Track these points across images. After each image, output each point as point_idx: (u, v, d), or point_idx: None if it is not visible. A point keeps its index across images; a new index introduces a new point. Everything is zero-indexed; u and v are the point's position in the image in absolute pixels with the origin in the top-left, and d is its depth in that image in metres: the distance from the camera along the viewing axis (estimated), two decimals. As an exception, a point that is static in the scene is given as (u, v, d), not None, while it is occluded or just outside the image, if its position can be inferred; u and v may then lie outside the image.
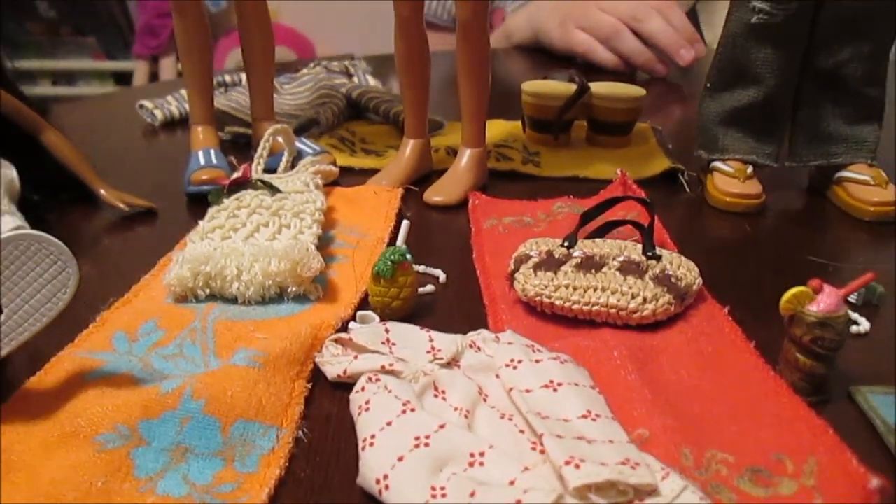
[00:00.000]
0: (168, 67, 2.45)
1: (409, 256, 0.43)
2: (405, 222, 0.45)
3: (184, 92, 0.79)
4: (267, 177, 0.57)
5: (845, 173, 0.62)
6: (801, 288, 0.37)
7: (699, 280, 0.45)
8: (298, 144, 0.64)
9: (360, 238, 0.53)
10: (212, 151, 0.62)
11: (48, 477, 0.31)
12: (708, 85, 0.64)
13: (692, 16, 1.16)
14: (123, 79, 2.51)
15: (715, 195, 0.62)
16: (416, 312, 0.45)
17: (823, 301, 0.36)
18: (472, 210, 0.58)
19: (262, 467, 0.33)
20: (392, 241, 0.53)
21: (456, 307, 0.46)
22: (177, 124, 0.82)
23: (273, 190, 0.53)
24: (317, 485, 0.32)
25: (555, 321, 0.43)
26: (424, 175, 0.64)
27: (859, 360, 0.42)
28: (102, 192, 0.58)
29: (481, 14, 0.57)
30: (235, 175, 0.54)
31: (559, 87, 0.74)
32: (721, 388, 0.38)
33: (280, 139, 0.61)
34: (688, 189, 0.65)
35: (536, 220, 0.57)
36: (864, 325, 0.45)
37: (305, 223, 0.50)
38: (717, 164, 0.63)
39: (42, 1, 2.40)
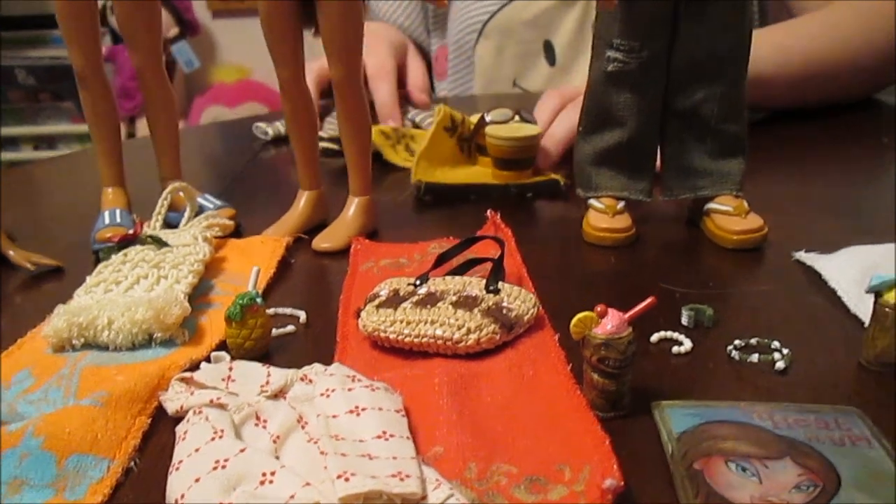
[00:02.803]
0: (144, 127, 2.52)
1: (259, 300, 0.48)
2: (255, 269, 0.50)
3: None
4: (160, 232, 0.61)
5: (712, 205, 0.66)
6: (588, 313, 0.40)
7: (533, 311, 0.49)
8: (200, 200, 0.68)
9: (239, 285, 0.57)
10: (118, 211, 0.66)
11: None
12: (580, 129, 0.68)
13: None
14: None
15: (587, 230, 0.66)
16: (273, 351, 0.49)
17: (608, 324, 0.40)
18: (353, 254, 0.62)
19: (89, 495, 0.36)
20: (267, 288, 0.57)
21: (312, 345, 0.50)
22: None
23: (160, 244, 0.58)
24: (136, 508, 0.36)
25: (393, 353, 0.47)
26: (318, 225, 0.68)
27: (678, 377, 0.46)
28: (11, 252, 0.63)
29: (354, 74, 0.61)
30: (130, 231, 0.59)
31: (522, 128, 0.79)
32: (529, 407, 0.42)
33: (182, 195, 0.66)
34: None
35: (411, 260, 0.61)
36: (686, 344, 0.48)
37: (182, 274, 0.54)
38: (592, 201, 0.67)
39: (20, 69, 2.48)
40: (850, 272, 0.56)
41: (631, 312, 0.41)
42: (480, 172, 0.81)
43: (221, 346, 0.49)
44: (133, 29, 0.64)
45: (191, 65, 2.46)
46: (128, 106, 2.47)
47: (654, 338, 0.49)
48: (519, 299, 0.50)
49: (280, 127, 0.98)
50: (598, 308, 0.40)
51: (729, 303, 0.55)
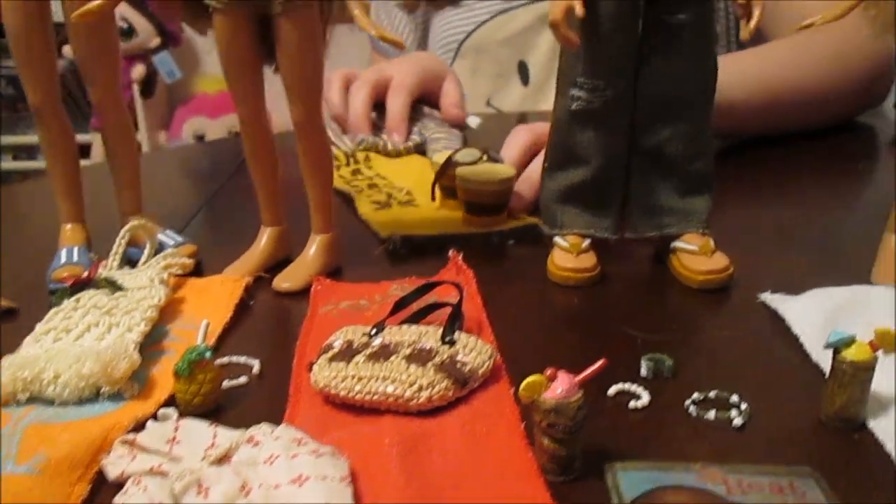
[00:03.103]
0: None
1: (208, 354, 0.47)
2: (204, 322, 0.49)
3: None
4: (116, 273, 0.60)
5: (678, 243, 0.66)
6: (537, 376, 0.40)
7: (489, 363, 0.49)
8: (161, 237, 0.67)
9: (195, 331, 0.56)
10: (75, 249, 0.65)
11: None
12: (545, 165, 0.68)
13: None
14: (82, 151, 2.55)
15: (552, 270, 0.65)
16: (224, 404, 0.48)
17: (557, 388, 0.39)
18: (313, 296, 0.61)
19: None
20: (224, 333, 0.56)
21: (264, 398, 0.49)
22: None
23: (115, 288, 0.57)
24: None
25: (345, 410, 0.46)
26: (281, 261, 0.67)
27: (634, 434, 0.45)
28: (-38, 293, 0.61)
29: (315, 112, 0.61)
30: (85, 274, 0.58)
31: (496, 170, 0.76)
32: (479, 470, 0.41)
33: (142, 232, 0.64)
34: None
35: (372, 302, 0.60)
36: (643, 398, 0.48)
37: (134, 321, 0.53)
38: (557, 239, 0.67)
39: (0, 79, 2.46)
40: (814, 317, 0.56)
41: (581, 376, 0.40)
42: (449, 217, 0.77)
43: (172, 398, 0.48)
44: (90, 64, 0.63)
45: (172, 75, 2.45)
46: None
47: (612, 390, 0.49)
48: (475, 350, 0.49)
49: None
50: (548, 371, 0.40)
51: (690, 349, 0.54)
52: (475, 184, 0.74)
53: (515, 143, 0.81)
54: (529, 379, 0.40)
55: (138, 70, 2.43)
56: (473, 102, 1.26)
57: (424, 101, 1.05)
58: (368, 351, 0.48)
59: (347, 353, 0.48)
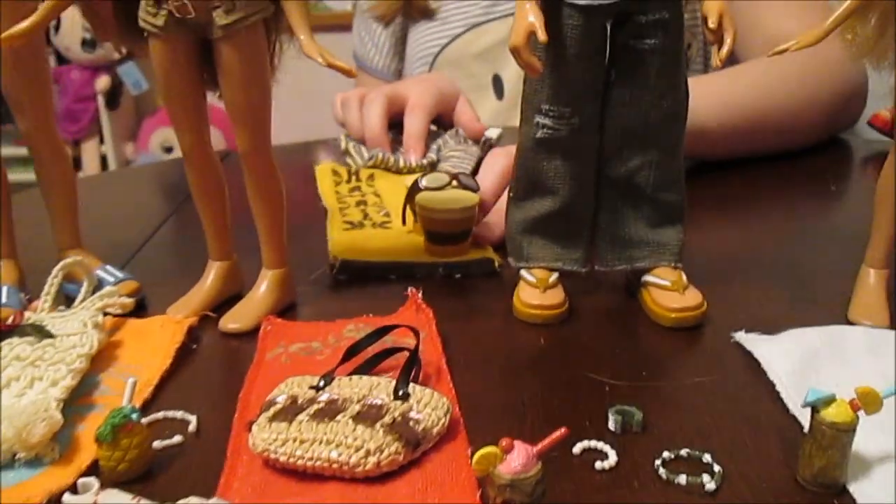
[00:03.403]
0: (90, 151, 2.45)
1: (134, 416, 0.42)
2: (130, 380, 0.44)
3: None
4: (46, 317, 0.56)
5: (649, 277, 0.63)
6: (491, 448, 0.36)
7: (444, 420, 0.45)
8: (99, 273, 0.63)
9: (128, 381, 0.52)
10: (5, 290, 0.60)
11: None
12: (511, 195, 0.64)
13: None
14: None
15: (518, 307, 0.62)
16: (154, 469, 0.44)
17: (514, 461, 0.36)
18: (262, 337, 0.57)
19: None
20: (161, 383, 0.52)
21: (199, 460, 0.45)
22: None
23: (42, 335, 0.52)
24: None
25: (286, 475, 0.43)
26: (232, 297, 0.63)
27: (599, 499, 0.41)
28: None
29: (262, 142, 0.57)
30: (10, 319, 0.53)
31: (458, 197, 0.72)
32: (429, 548, 0.37)
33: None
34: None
35: (325, 345, 0.57)
36: (611, 458, 0.44)
37: (60, 374, 0.49)
38: (524, 273, 0.63)
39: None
40: (791, 362, 0.53)
41: (539, 447, 0.37)
42: (411, 243, 0.73)
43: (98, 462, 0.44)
44: (19, 93, 0.59)
45: (138, 86, 2.39)
46: (72, 129, 2.39)
47: (577, 448, 0.45)
48: (430, 406, 0.45)
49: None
50: (503, 442, 0.36)
51: (661, 398, 0.51)
52: (434, 211, 0.70)
53: (491, 169, 0.77)
54: (483, 451, 0.36)
55: (103, 81, 2.37)
56: None
57: (436, 121, 1.02)
58: (314, 408, 0.44)
59: (291, 410, 0.44)
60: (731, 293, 0.65)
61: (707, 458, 0.44)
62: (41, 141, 0.61)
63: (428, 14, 1.23)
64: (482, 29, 1.20)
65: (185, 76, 0.55)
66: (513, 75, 1.22)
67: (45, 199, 0.64)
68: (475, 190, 0.77)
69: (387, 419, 0.43)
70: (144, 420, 0.47)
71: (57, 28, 2.25)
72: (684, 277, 0.62)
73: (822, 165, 1.02)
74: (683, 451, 0.44)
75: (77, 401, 0.49)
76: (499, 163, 0.77)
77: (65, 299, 0.62)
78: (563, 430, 0.37)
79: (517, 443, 0.36)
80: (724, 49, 0.52)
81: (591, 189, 0.62)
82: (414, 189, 0.74)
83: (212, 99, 0.59)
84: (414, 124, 0.96)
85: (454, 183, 0.75)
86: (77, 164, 2.45)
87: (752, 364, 0.54)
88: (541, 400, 0.51)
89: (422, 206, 0.71)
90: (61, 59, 2.40)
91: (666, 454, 0.44)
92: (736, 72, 0.98)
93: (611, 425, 0.47)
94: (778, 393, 0.50)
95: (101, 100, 2.40)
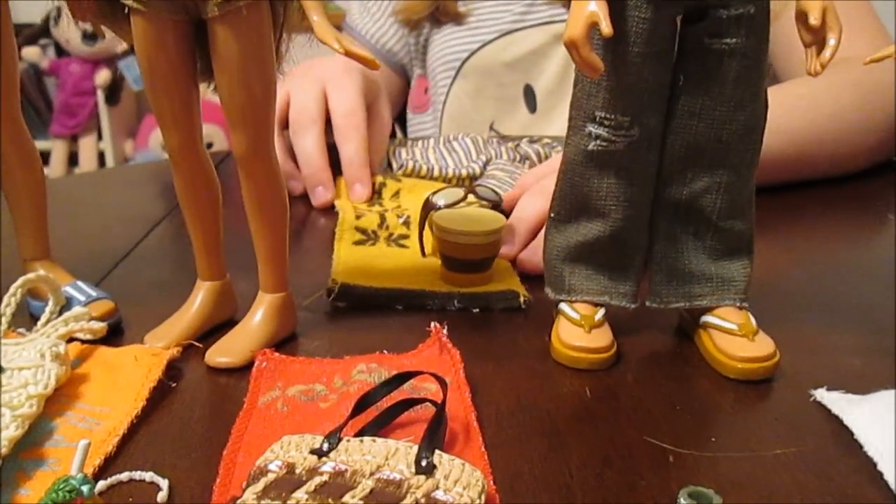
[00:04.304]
0: (87, 146, 2.37)
1: (85, 489, 0.33)
2: (81, 443, 0.35)
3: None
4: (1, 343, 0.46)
5: (710, 318, 0.54)
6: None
7: (479, 502, 0.36)
8: (69, 290, 0.54)
9: (93, 427, 0.43)
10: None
11: None
12: (552, 215, 0.55)
13: None
14: (42, 158, 2.42)
15: (557, 348, 0.53)
16: (111, 553, 0.35)
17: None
18: (255, 376, 0.48)
19: None
20: (129, 432, 0.43)
21: (168, 541, 0.36)
22: None
23: (-10, 368, 0.43)
24: None
25: (277, 571, 0.33)
26: (224, 323, 0.54)
27: None
28: None
29: (263, 145, 0.48)
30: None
31: (482, 217, 0.62)
32: None
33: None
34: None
35: (331, 388, 0.47)
36: (687, 557, 0.35)
37: (4, 422, 0.39)
38: (564, 307, 0.54)
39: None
40: (891, 433, 0.43)
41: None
42: (425, 268, 0.64)
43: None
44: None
45: (139, 82, 2.30)
46: (70, 123, 2.31)
47: (643, 542, 0.36)
48: (460, 483, 0.36)
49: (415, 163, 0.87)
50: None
51: (737, 475, 0.42)
52: (452, 233, 0.61)
53: (531, 208, 0.66)
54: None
55: (103, 75, 2.28)
56: (475, 126, 1.14)
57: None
58: (315, 482, 0.35)
59: (286, 484, 0.35)
60: (800, 339, 0.56)
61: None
62: (5, 139, 0.52)
63: (458, 19, 1.15)
64: (514, 36, 1.12)
65: (172, 63, 0.46)
66: (546, 87, 1.14)
67: (11, 209, 0.55)
68: (496, 203, 0.68)
69: (407, 501, 0.34)
70: (103, 484, 0.38)
71: (57, 19, 2.17)
72: (753, 320, 0.53)
73: (869, 189, 0.93)
74: (777, 553, 0.35)
75: (23, 453, 0.40)
76: (536, 205, 0.66)
77: (30, 319, 0.54)
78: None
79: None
80: (829, 52, 0.43)
81: (647, 213, 0.53)
82: (427, 206, 0.65)
83: (207, 92, 0.50)
84: (349, 152, 0.81)
85: (470, 197, 0.66)
86: (74, 160, 2.36)
87: (839, 431, 0.45)
88: (592, 472, 0.41)
89: (439, 226, 0.61)
90: (60, 52, 2.31)
91: (757, 555, 0.35)
92: (783, 92, 0.89)
93: (667, 512, 0.38)
94: (880, 473, 0.41)
95: (100, 94, 2.31)
